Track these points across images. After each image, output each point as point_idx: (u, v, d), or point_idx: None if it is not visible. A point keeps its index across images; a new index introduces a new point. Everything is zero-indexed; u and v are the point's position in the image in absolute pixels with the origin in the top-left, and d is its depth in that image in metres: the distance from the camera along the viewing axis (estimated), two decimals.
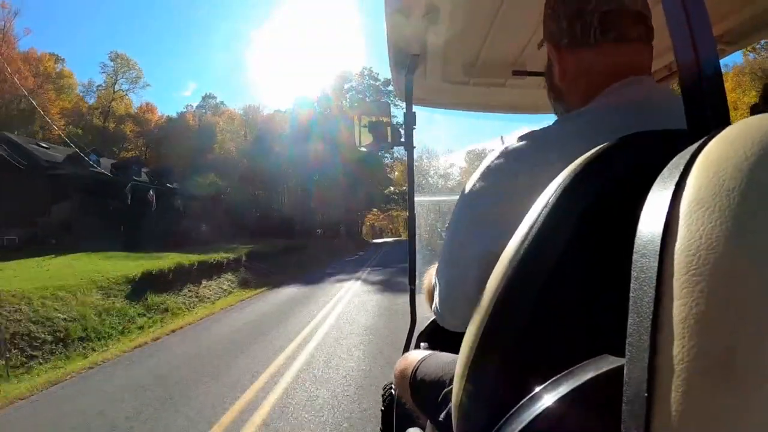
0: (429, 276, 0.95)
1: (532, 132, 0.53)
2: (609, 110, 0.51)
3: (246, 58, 78.29)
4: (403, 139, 1.38)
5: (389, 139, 1.36)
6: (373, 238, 70.84)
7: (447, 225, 0.60)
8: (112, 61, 45.16)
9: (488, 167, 0.54)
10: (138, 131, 43.67)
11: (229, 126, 42.61)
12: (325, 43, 73.00)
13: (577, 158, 0.39)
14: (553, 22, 0.58)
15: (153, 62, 69.90)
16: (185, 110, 46.55)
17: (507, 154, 0.52)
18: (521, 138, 0.53)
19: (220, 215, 28.05)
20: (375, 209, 49.60)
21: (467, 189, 0.55)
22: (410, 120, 1.38)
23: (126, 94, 45.72)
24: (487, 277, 0.43)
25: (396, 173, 47.62)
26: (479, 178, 0.54)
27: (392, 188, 45.29)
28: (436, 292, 0.61)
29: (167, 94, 71.43)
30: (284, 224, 31.78)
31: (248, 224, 28.98)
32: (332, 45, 72.52)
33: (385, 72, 43.11)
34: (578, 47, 0.56)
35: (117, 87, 45.00)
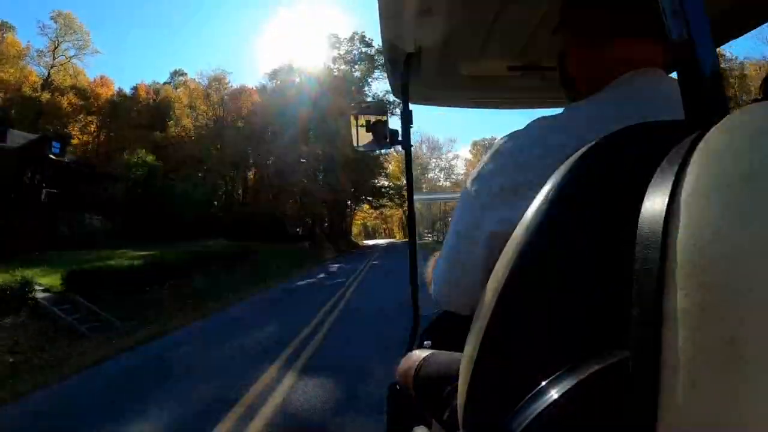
0: (434, 262, 0.88)
1: (542, 117, 0.54)
2: (617, 99, 0.52)
3: (223, 31, 70.85)
4: (400, 138, 1.38)
5: (387, 139, 1.37)
6: (366, 239, 64.15)
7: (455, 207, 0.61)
8: (53, 21, 37.49)
9: (497, 150, 0.54)
10: (81, 105, 35.99)
11: (192, 101, 35.05)
12: (310, 6, 65.28)
13: (583, 145, 0.39)
14: (573, 12, 0.60)
15: (139, 46, 62.11)
16: (142, 83, 38.83)
17: (516, 138, 0.54)
18: (531, 123, 0.54)
19: (143, 206, 20.84)
20: (366, 205, 42.21)
21: (477, 170, 0.56)
22: (407, 119, 1.36)
23: (69, 61, 38.09)
24: (492, 258, 0.44)
25: (392, 165, 40.50)
26: (488, 160, 0.55)
27: (385, 182, 37.92)
28: (437, 270, 0.62)
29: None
30: (240, 220, 24.45)
31: (186, 219, 21.71)
32: (318, 6, 64.82)
33: (378, 38, 35.64)
34: (595, 38, 0.57)
35: (62, 55, 37.44)
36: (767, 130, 0.23)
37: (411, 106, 1.36)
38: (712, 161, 0.24)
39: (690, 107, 0.32)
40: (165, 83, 41.14)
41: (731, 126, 0.25)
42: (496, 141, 0.56)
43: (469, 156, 52.73)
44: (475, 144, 51.89)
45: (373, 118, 1.39)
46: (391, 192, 38.38)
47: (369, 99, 33.08)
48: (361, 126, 1.39)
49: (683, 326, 0.22)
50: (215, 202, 28.13)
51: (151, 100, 36.31)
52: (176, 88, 38.72)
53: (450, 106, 1.67)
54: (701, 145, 0.26)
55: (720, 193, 0.23)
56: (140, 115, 33.94)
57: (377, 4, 0.98)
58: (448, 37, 1.09)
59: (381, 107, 1.67)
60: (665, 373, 0.23)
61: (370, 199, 37.06)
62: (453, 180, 51.49)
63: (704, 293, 0.21)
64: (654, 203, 0.26)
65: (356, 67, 33.35)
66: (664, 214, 0.25)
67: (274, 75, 32.46)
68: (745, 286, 0.20)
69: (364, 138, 1.40)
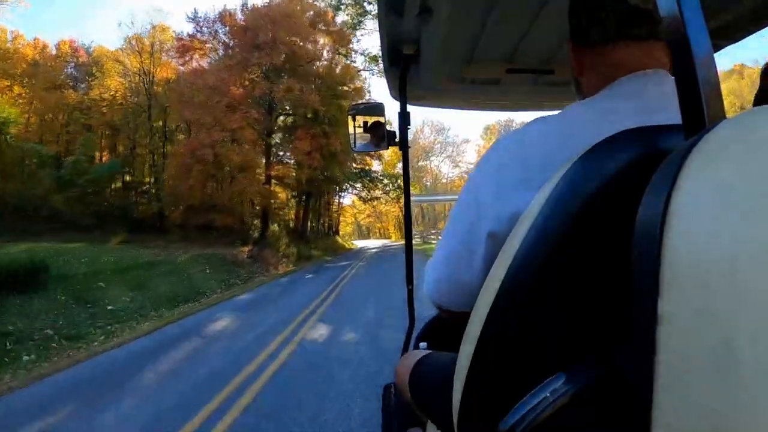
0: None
1: (541, 118, 0.55)
2: (617, 100, 0.52)
3: None
4: (397, 140, 1.35)
5: (385, 140, 1.36)
6: (359, 238, 56.83)
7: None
8: None
9: (497, 148, 0.55)
10: None
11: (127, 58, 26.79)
12: None
13: (582, 145, 0.39)
14: (572, 19, 0.60)
15: None
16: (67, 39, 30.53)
17: (516, 137, 0.54)
18: (531, 122, 0.54)
19: None
20: (356, 198, 33.97)
21: (476, 169, 0.56)
22: (405, 120, 1.34)
23: None
24: (490, 256, 0.45)
25: (389, 151, 32.31)
26: (488, 158, 0.55)
27: (377, 167, 29.67)
28: (432, 265, 0.61)
29: None
30: (161, 210, 16.38)
31: (55, 205, 13.77)
32: None
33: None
34: (593, 44, 0.58)
35: None
36: (763, 135, 0.23)
37: (408, 107, 1.35)
38: (708, 166, 0.24)
39: (687, 111, 0.32)
40: (119, 49, 33.09)
41: (728, 131, 0.25)
42: (497, 138, 0.55)
43: (481, 141, 44.71)
44: (487, 128, 43.90)
45: (370, 119, 1.40)
46: (384, 182, 30.15)
47: (358, 55, 25.18)
48: (359, 127, 1.40)
49: (678, 329, 0.22)
50: (154, 190, 20.14)
51: (81, 59, 28.42)
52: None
53: (448, 107, 1.67)
54: (697, 149, 0.26)
55: (716, 198, 0.23)
56: (62, 76, 26.14)
57: (377, 5, 0.98)
58: (447, 39, 1.09)
59: (379, 108, 1.41)
60: (661, 377, 0.22)
61: (356, 186, 28.73)
62: (462, 169, 43.30)
63: (700, 296, 0.21)
64: (650, 207, 0.26)
65: (341, 12, 25.05)
66: (660, 217, 0.25)
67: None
68: (740, 288, 0.20)
69: (361, 139, 1.41)
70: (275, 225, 21.06)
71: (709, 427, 0.20)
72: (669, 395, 0.22)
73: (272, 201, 18.06)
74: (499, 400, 0.37)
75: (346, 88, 20.50)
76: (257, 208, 17.48)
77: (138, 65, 23.69)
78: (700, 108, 0.30)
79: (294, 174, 19.03)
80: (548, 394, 0.33)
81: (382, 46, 1.17)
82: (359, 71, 23.72)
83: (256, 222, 18.59)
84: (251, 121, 15.49)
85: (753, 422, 0.19)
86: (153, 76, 22.39)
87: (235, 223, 16.52)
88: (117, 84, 24.72)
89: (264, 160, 17.27)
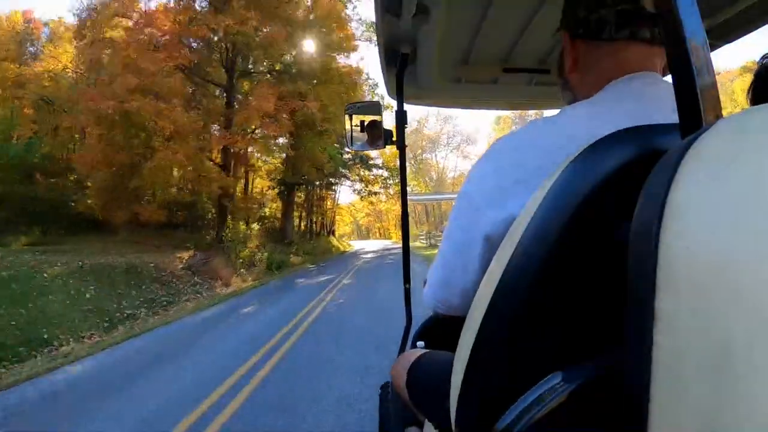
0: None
1: (539, 119, 0.54)
2: (613, 102, 0.52)
3: None
4: (395, 139, 1.35)
5: (382, 139, 1.37)
6: (358, 238, 53.46)
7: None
8: None
9: (494, 150, 0.54)
10: None
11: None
12: None
13: (579, 147, 0.39)
14: (572, 11, 0.59)
15: None
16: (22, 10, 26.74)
17: (513, 139, 0.54)
18: (528, 124, 0.54)
19: None
20: (352, 189, 29.95)
21: (472, 172, 0.56)
22: (402, 119, 1.35)
23: None
24: (487, 259, 0.44)
25: (387, 151, 28.22)
26: (484, 161, 0.54)
27: (376, 157, 25.60)
28: (432, 273, 0.62)
29: None
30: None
31: None
32: None
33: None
34: (592, 39, 0.57)
35: None
36: (760, 134, 0.23)
37: (405, 106, 1.36)
38: (705, 165, 0.24)
39: (684, 111, 0.32)
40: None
41: (724, 130, 0.25)
42: (494, 140, 0.55)
43: (493, 133, 40.70)
44: (499, 119, 39.90)
45: (367, 118, 1.41)
46: (384, 176, 26.09)
47: (355, 23, 21.29)
48: (356, 126, 1.40)
49: (675, 329, 0.22)
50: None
51: (35, 31, 24.77)
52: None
53: (445, 106, 1.66)
54: (694, 149, 0.25)
55: (712, 197, 0.22)
56: (7, 49, 22.46)
57: (374, 4, 0.99)
58: (444, 39, 1.09)
59: (376, 107, 1.44)
60: (657, 376, 0.23)
61: (352, 178, 24.68)
62: (472, 161, 39.27)
63: (696, 296, 0.21)
64: (647, 206, 0.26)
65: None
66: (657, 216, 0.25)
67: None
68: (737, 288, 0.20)
69: (358, 138, 1.40)
70: (255, 223, 17.11)
71: (705, 426, 0.20)
72: (665, 394, 0.22)
73: (234, 191, 13.80)
74: (496, 399, 0.37)
75: (332, 33, 15.79)
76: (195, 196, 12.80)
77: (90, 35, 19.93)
78: (697, 108, 0.30)
79: (257, 151, 14.28)
80: (545, 393, 0.33)
81: (379, 45, 1.18)
82: (357, 39, 19.73)
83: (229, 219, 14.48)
84: (185, 64, 10.75)
85: (750, 421, 0.18)
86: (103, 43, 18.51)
87: (171, 216, 12.18)
88: (68, 55, 20.89)
89: (216, 136, 12.44)
